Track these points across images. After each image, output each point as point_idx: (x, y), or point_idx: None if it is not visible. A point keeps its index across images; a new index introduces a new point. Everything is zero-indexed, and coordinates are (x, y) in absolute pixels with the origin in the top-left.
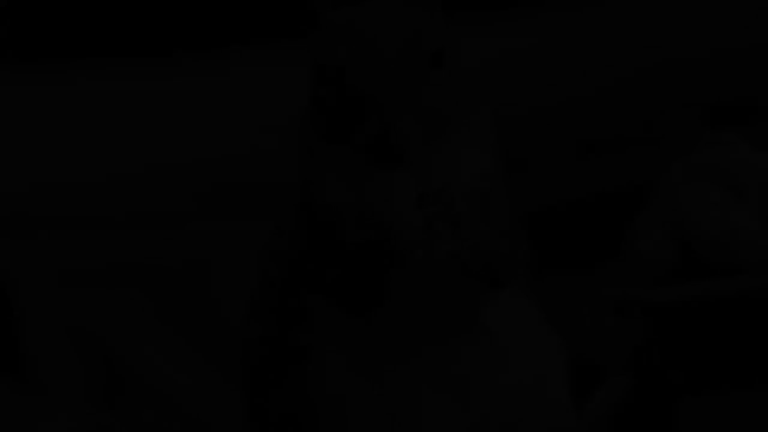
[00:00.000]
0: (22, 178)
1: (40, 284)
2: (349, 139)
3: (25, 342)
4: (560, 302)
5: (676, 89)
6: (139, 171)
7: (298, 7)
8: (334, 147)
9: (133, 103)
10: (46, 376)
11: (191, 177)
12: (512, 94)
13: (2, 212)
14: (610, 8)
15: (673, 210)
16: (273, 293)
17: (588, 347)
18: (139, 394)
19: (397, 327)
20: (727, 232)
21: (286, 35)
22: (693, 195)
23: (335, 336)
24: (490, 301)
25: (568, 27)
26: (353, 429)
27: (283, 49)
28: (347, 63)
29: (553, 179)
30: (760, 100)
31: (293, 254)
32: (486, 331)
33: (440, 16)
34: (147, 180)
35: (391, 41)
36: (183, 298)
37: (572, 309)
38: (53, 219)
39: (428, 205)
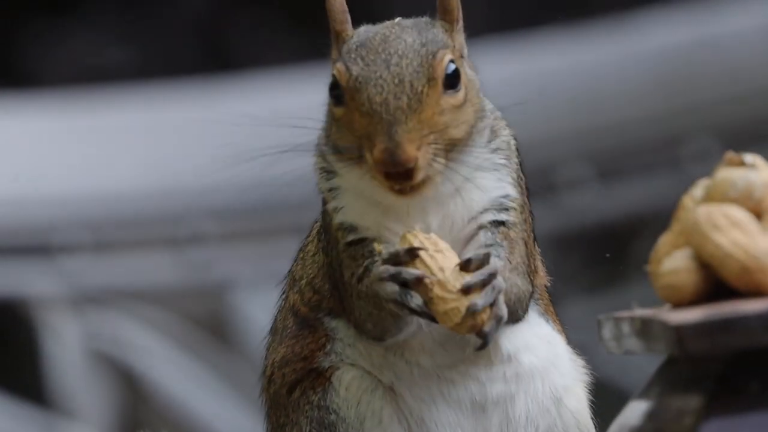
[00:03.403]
0: (42, 204)
1: (63, 309)
2: (360, 156)
3: (49, 367)
4: (583, 324)
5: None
6: (158, 194)
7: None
8: (348, 162)
9: (151, 129)
10: (69, 400)
11: (211, 199)
12: (540, 117)
13: (24, 239)
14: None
15: (696, 232)
16: (295, 319)
17: (611, 369)
18: (162, 417)
19: (418, 351)
20: (750, 254)
21: (307, 58)
22: (715, 217)
23: (356, 359)
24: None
25: (597, 51)
26: None
27: (305, 72)
28: (362, 83)
29: (576, 203)
30: None
31: (316, 277)
32: (506, 354)
33: (458, 38)
34: (166, 202)
35: (406, 63)
36: (204, 320)
37: (594, 331)
38: (74, 243)
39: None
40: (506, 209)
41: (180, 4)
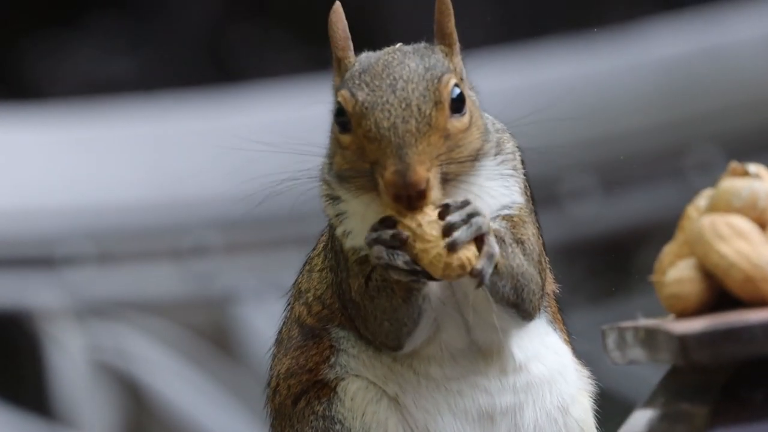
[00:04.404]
0: (46, 216)
1: (67, 320)
2: (370, 183)
3: (53, 379)
4: (587, 334)
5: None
6: (161, 205)
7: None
8: (355, 189)
9: (155, 140)
10: (73, 411)
11: (216, 210)
12: (544, 128)
13: (28, 251)
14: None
15: (700, 242)
16: (300, 330)
17: (615, 379)
18: (166, 429)
19: (428, 361)
20: (754, 264)
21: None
22: (719, 227)
23: (360, 371)
24: (518, 334)
25: (599, 62)
26: None
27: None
28: (369, 108)
29: (580, 213)
30: None
31: (324, 294)
32: (518, 364)
33: (457, 61)
34: (170, 214)
35: (412, 87)
36: (208, 332)
37: (599, 341)
38: (78, 255)
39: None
40: (511, 208)
41: (184, 17)
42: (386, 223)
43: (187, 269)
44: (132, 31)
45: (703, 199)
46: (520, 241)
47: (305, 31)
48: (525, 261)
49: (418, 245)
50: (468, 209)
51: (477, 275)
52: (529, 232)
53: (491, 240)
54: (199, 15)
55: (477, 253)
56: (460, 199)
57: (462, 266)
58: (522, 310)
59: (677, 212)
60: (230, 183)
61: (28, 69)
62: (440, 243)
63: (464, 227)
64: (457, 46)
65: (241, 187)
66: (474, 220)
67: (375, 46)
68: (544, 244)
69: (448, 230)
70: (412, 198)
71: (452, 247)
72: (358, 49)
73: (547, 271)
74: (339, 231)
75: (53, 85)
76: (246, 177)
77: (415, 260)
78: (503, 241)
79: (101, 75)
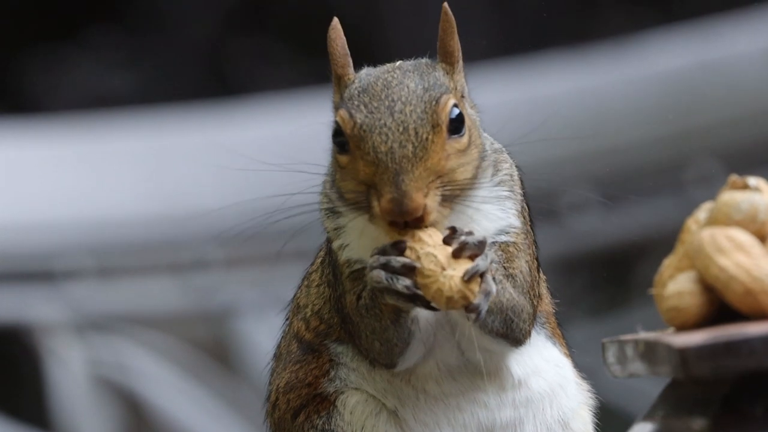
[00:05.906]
0: (46, 230)
1: (67, 334)
2: (367, 204)
3: (53, 393)
4: (587, 347)
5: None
6: (161, 219)
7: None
8: (354, 210)
9: (154, 154)
10: (73, 426)
11: (215, 224)
12: (544, 142)
13: (28, 265)
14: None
15: (700, 254)
16: (299, 344)
17: (615, 392)
18: None
19: (425, 378)
20: (754, 277)
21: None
22: (719, 239)
23: (360, 384)
24: (517, 351)
25: (601, 77)
26: None
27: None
28: (367, 131)
29: (581, 226)
30: None
31: (322, 309)
32: (517, 379)
33: (459, 78)
34: (170, 228)
35: (410, 110)
36: (207, 346)
37: (599, 354)
38: (78, 269)
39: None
40: (507, 233)
41: (183, 31)
42: (397, 247)
43: (186, 283)
44: (132, 45)
45: (702, 212)
46: (511, 276)
47: (304, 46)
48: (515, 294)
49: (419, 279)
50: (478, 236)
51: (474, 310)
52: (522, 261)
53: (489, 277)
54: (198, 30)
55: (478, 281)
56: (465, 228)
57: (465, 298)
58: (512, 339)
59: (677, 225)
60: (230, 197)
61: (28, 83)
62: (438, 279)
63: (481, 257)
64: (460, 63)
65: (241, 201)
66: (488, 251)
67: (375, 59)
68: (539, 265)
69: (459, 251)
70: (409, 224)
71: (471, 275)
72: (357, 63)
73: (544, 291)
74: (336, 244)
75: (53, 99)
76: (246, 191)
77: (420, 288)
78: (493, 278)
79: (101, 89)
